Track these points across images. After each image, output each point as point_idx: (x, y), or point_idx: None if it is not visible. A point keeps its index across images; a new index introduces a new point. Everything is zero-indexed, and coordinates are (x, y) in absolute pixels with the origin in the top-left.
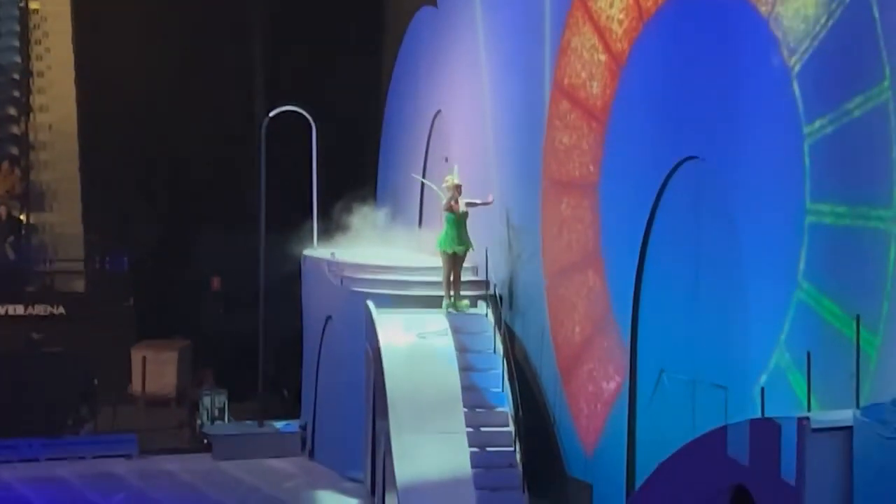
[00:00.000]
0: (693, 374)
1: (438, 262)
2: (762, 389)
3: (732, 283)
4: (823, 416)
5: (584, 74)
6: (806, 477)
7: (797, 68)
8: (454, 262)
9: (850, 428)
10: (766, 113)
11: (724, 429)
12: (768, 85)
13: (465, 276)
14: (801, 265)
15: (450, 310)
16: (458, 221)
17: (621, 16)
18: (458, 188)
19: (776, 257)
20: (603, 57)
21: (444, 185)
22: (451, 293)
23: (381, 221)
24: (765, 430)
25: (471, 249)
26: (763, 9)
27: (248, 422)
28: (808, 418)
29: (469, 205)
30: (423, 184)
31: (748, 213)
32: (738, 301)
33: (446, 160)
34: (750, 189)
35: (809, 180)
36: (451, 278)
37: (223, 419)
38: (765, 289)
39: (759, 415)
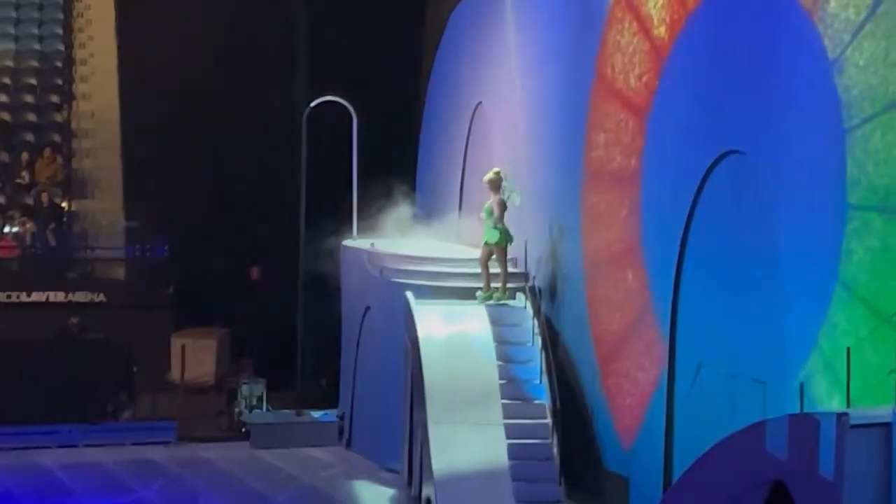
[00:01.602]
0: (732, 369)
1: (477, 253)
2: (801, 385)
3: (772, 277)
4: (862, 412)
5: (625, 66)
6: (844, 473)
7: (839, 61)
8: (493, 253)
9: (889, 424)
10: (808, 106)
11: (762, 424)
12: (810, 78)
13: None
14: (842, 259)
15: (486, 301)
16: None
17: (663, 7)
18: (489, 184)
19: (816, 251)
20: (645, 48)
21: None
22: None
23: (421, 212)
24: (803, 426)
25: (508, 243)
26: (806, 2)
27: (286, 411)
28: (847, 414)
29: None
30: (462, 175)
31: (789, 206)
32: (777, 295)
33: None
34: (791, 182)
35: (850, 174)
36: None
37: (261, 408)
38: (805, 283)
39: (797, 410)
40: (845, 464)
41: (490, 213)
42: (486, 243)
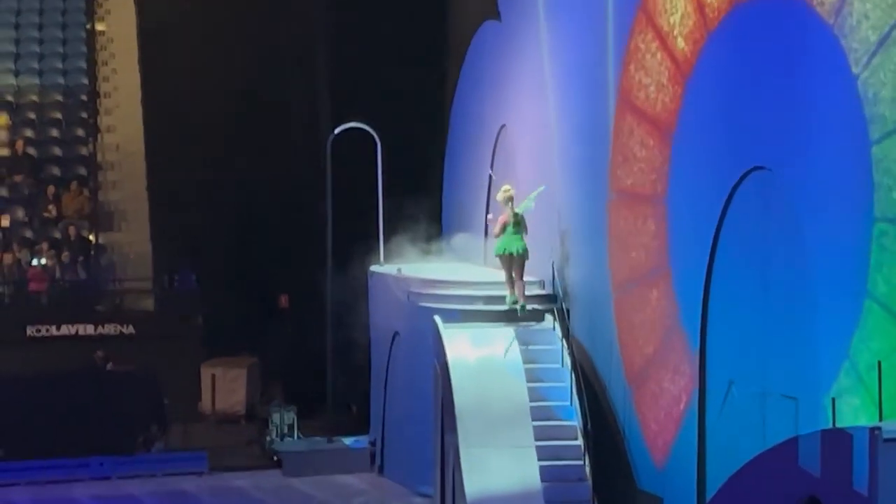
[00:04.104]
0: (763, 386)
1: (504, 275)
2: (833, 400)
3: (801, 293)
4: (895, 425)
5: (649, 86)
6: (879, 487)
7: (863, 76)
8: (511, 263)
9: None
10: (833, 121)
11: (795, 440)
12: (834, 94)
13: (532, 291)
14: (871, 272)
15: (513, 305)
16: (510, 227)
17: (686, 26)
18: (504, 201)
19: (845, 266)
20: (668, 68)
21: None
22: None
23: (447, 236)
24: (836, 441)
25: (522, 252)
26: (828, 17)
27: (318, 438)
28: (879, 428)
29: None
30: (487, 198)
31: (816, 222)
32: (807, 311)
33: (491, 177)
34: (818, 198)
35: (877, 189)
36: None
37: (292, 436)
38: (834, 298)
39: (830, 425)
40: (879, 478)
41: (512, 226)
42: (511, 254)
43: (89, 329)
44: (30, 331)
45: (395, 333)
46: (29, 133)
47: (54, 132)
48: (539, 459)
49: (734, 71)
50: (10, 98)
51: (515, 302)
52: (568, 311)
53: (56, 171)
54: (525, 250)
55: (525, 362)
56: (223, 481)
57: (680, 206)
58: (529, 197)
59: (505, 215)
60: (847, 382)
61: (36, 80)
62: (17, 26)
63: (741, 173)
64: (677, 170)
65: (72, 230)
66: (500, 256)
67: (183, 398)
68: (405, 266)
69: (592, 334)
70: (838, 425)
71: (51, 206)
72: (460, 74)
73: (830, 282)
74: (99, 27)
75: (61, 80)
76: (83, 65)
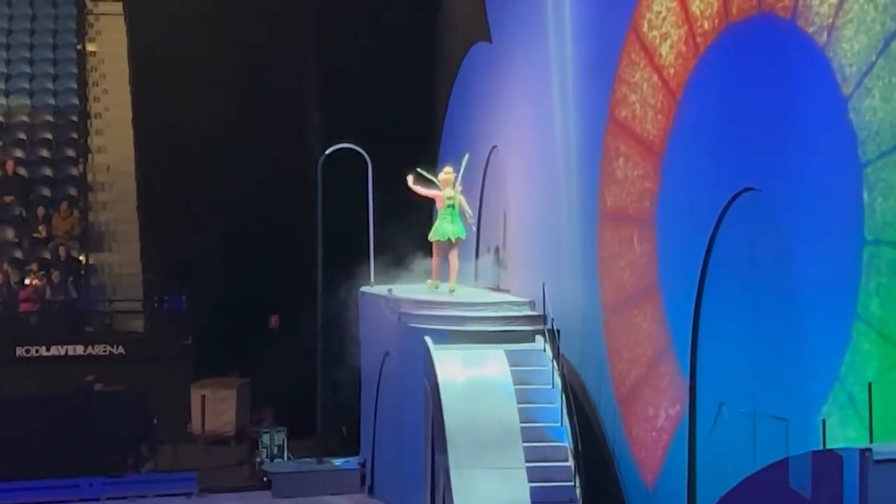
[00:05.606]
0: (753, 407)
1: (496, 297)
2: (823, 421)
3: (791, 315)
4: (886, 447)
5: (639, 107)
6: None
7: (854, 97)
8: (448, 247)
9: None
10: (823, 142)
11: (785, 461)
12: (825, 115)
13: (523, 311)
14: (860, 294)
15: (436, 289)
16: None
17: (676, 48)
18: (445, 182)
19: (835, 288)
20: (658, 89)
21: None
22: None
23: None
24: (827, 462)
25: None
26: (819, 38)
27: (308, 459)
28: (870, 450)
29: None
30: (478, 219)
31: (806, 242)
32: (797, 332)
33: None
34: (808, 219)
35: (867, 209)
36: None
37: (282, 457)
38: (824, 319)
39: (820, 447)
40: (870, 500)
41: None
42: (450, 239)
43: (79, 350)
44: (19, 351)
45: (386, 354)
46: (19, 153)
47: (45, 152)
48: (529, 481)
49: (724, 91)
50: (0, 118)
51: (437, 286)
52: (558, 331)
53: (46, 191)
54: (463, 234)
55: (516, 383)
56: (213, 502)
57: (670, 227)
58: (460, 169)
59: (440, 197)
60: (838, 404)
61: (27, 101)
62: (7, 47)
63: (731, 194)
64: (667, 190)
65: (62, 250)
66: (437, 242)
67: (172, 419)
68: (396, 286)
69: (583, 355)
70: (829, 447)
71: (41, 227)
72: (451, 96)
73: (821, 303)
74: (90, 48)
75: (52, 101)
76: (74, 85)
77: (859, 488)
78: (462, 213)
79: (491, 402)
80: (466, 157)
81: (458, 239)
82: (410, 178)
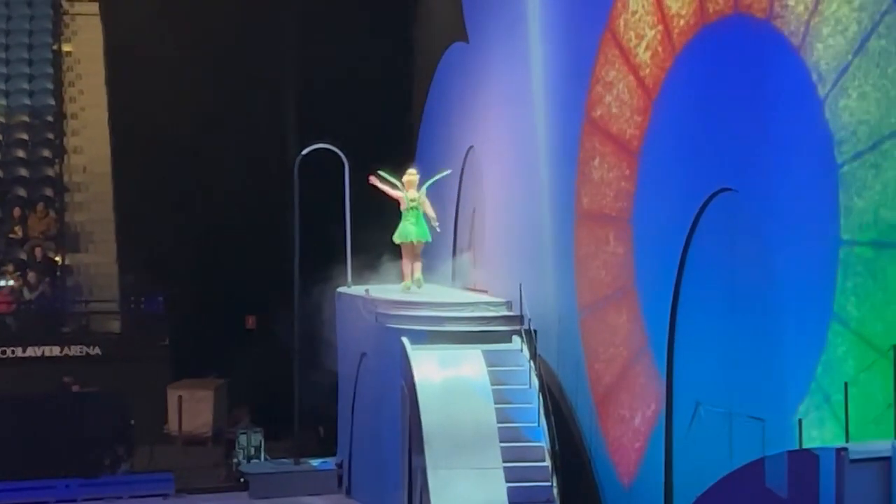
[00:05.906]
0: (730, 406)
1: (473, 297)
2: (800, 421)
3: (768, 314)
4: (862, 446)
5: (615, 107)
6: None
7: (829, 98)
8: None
9: (888, 458)
10: (800, 143)
11: (762, 461)
12: (801, 116)
13: (500, 312)
14: (837, 294)
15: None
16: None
17: (652, 48)
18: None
19: (811, 287)
20: (634, 89)
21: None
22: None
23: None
24: (803, 462)
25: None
26: (794, 39)
27: (285, 460)
28: (846, 449)
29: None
30: (455, 219)
31: (783, 243)
32: (774, 332)
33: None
34: (784, 219)
35: (843, 210)
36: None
37: (259, 457)
38: (801, 319)
39: (797, 446)
40: (846, 499)
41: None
42: (412, 242)
43: (55, 351)
44: None
45: (363, 354)
46: None
47: (20, 153)
48: (506, 481)
49: (701, 92)
50: None
51: (420, 285)
52: (535, 331)
53: (22, 192)
54: (426, 237)
55: (493, 383)
56: (190, 503)
57: (646, 226)
58: (433, 178)
59: (402, 198)
60: (814, 404)
61: (2, 101)
62: None
63: (707, 195)
64: (643, 190)
65: (38, 251)
66: (403, 244)
67: (149, 420)
68: (373, 287)
69: (560, 355)
70: (805, 446)
71: (17, 228)
72: (428, 96)
73: (797, 303)
74: (66, 48)
75: (27, 101)
76: (50, 86)
77: (836, 488)
78: (426, 217)
79: (468, 403)
80: (447, 172)
81: (420, 242)
82: (374, 178)
